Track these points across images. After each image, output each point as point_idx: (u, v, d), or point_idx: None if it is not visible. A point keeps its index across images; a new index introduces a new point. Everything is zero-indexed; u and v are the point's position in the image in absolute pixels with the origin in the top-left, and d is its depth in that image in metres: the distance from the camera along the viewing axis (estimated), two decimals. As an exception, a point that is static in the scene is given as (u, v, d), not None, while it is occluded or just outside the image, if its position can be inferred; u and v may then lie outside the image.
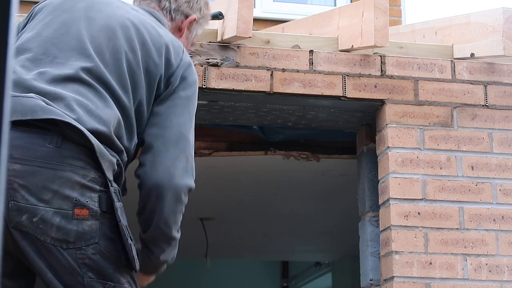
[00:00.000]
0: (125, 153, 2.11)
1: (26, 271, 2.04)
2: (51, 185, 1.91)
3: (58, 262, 1.93)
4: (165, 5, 2.45)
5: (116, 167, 2.05)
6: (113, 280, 1.98)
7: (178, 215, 2.18)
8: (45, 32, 2.15)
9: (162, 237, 2.17)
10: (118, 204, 1.99)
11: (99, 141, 1.98)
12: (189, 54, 2.93)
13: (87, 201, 1.94)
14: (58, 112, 1.95)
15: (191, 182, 2.17)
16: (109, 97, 2.06)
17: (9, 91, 0.68)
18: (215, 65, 2.95)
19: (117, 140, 2.05)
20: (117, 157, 2.06)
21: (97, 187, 1.97)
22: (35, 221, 1.90)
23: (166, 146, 2.13)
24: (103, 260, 1.96)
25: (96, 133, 1.98)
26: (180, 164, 2.13)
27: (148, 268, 2.23)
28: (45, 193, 1.91)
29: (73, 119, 1.96)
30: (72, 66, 2.07)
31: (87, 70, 2.07)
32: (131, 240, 2.01)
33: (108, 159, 2.00)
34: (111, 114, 2.04)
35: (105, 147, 2.00)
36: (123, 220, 2.00)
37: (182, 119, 2.17)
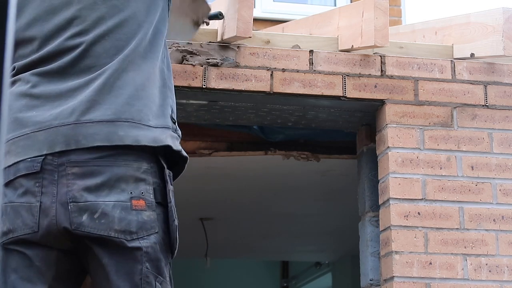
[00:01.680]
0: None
1: (76, 275, 2.07)
2: (108, 182, 1.95)
3: (121, 256, 1.96)
4: None
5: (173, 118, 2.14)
6: (163, 274, 2.01)
7: None
8: None
9: None
10: (171, 191, 2.04)
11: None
12: (189, 54, 2.94)
13: (142, 193, 1.98)
14: None
15: None
16: None
17: (7, 90, 0.68)
18: (215, 65, 2.95)
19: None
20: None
21: (151, 179, 2.01)
22: (97, 217, 1.94)
23: None
24: (160, 251, 2.00)
25: None
26: None
27: None
28: (102, 189, 1.95)
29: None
30: None
31: None
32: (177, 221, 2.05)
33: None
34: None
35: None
36: (173, 201, 2.05)
37: None
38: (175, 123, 2.13)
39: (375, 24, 2.89)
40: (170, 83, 2.18)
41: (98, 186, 1.95)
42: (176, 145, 2.09)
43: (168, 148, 2.05)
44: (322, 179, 4.34)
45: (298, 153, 3.70)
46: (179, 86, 2.92)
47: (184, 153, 2.11)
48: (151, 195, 2.00)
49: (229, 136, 3.70)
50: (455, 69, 3.10)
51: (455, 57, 3.15)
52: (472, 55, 3.09)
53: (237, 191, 4.73)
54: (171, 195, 2.03)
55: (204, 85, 2.93)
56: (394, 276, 2.87)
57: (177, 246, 2.06)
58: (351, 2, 5.42)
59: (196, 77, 2.93)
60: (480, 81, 3.11)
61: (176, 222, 2.03)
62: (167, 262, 2.03)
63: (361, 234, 3.24)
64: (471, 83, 3.10)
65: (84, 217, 1.93)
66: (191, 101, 3.06)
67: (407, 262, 2.88)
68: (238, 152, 3.72)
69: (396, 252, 2.89)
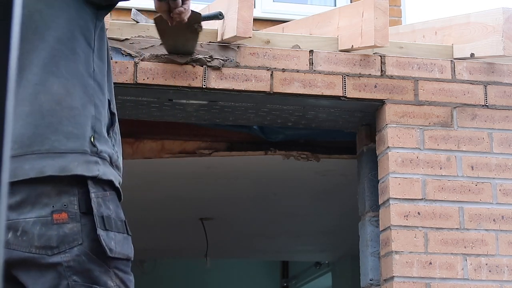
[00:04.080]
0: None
1: None
2: (28, 198, 1.92)
3: (45, 272, 1.92)
4: None
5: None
6: (99, 283, 1.96)
7: None
8: None
9: None
10: (95, 200, 1.96)
11: None
12: (189, 54, 2.94)
13: (65, 205, 1.94)
14: None
15: None
16: None
17: (12, 93, 0.68)
18: (215, 65, 2.95)
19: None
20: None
21: (76, 189, 1.96)
22: (19, 235, 1.91)
23: None
24: (88, 261, 1.94)
25: None
26: None
27: None
28: (24, 206, 1.92)
29: None
30: None
31: None
32: (106, 230, 1.96)
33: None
34: None
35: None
36: (104, 211, 1.97)
37: None
38: (95, 146, 2.02)
39: (375, 24, 2.89)
40: (98, 99, 2.08)
41: (19, 203, 1.92)
42: (92, 171, 1.98)
43: (79, 176, 1.96)
44: (322, 179, 4.34)
45: (298, 153, 3.70)
46: (179, 86, 2.92)
47: (106, 177, 2.01)
48: (75, 206, 1.95)
49: (229, 136, 3.70)
50: (455, 69, 3.11)
51: (455, 57, 3.15)
52: (472, 55, 3.09)
53: (237, 191, 4.72)
54: (95, 204, 1.96)
55: (204, 85, 2.93)
56: (394, 276, 2.87)
57: (108, 252, 1.96)
58: (351, 2, 5.42)
59: (196, 77, 2.93)
60: (480, 81, 3.11)
61: (100, 232, 1.94)
62: (105, 269, 1.97)
63: (361, 234, 3.24)
64: (471, 83, 3.10)
65: (9, 235, 1.91)
66: (191, 101, 3.06)
67: (407, 262, 2.88)
68: (238, 152, 3.72)
69: (396, 252, 2.89)
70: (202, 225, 5.62)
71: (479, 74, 3.11)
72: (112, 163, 2.07)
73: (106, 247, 1.95)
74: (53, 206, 1.93)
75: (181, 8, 2.27)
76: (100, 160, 2.02)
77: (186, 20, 2.34)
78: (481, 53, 3.07)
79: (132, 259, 2.08)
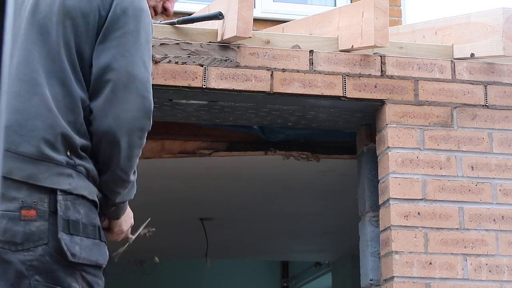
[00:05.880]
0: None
1: None
2: None
3: (7, 268, 1.88)
4: None
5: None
6: (63, 284, 1.91)
7: (134, 160, 2.07)
8: None
9: (119, 183, 2.07)
10: (63, 202, 1.91)
11: None
12: (189, 54, 2.94)
13: (34, 202, 1.89)
14: None
15: (144, 123, 2.03)
16: None
17: (5, 89, 0.68)
18: (215, 65, 2.95)
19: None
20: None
21: (47, 188, 1.91)
22: None
23: (115, 91, 1.99)
24: (53, 262, 1.89)
25: None
26: (131, 107, 2.00)
27: (111, 213, 2.16)
28: None
29: None
30: None
31: None
32: (70, 234, 1.91)
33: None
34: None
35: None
36: (71, 214, 1.92)
37: (131, 59, 2.01)
38: (71, 159, 1.96)
39: (375, 24, 2.89)
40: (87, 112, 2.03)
41: None
42: (62, 184, 1.93)
43: (47, 188, 1.91)
44: (322, 179, 4.34)
45: (298, 153, 3.70)
46: (179, 86, 2.92)
47: (77, 191, 1.95)
48: (46, 204, 1.90)
49: (229, 136, 3.70)
50: (455, 69, 3.11)
51: (455, 57, 3.15)
52: (472, 55, 3.09)
53: (237, 191, 4.73)
54: (62, 206, 1.91)
55: (204, 85, 2.93)
56: (394, 276, 2.87)
57: (70, 257, 1.91)
58: (351, 2, 5.42)
59: (196, 77, 2.93)
60: (480, 81, 3.11)
61: (62, 235, 1.89)
62: (71, 271, 1.91)
63: (361, 234, 3.24)
64: (471, 83, 3.10)
65: None
66: (191, 101, 3.06)
67: (407, 262, 2.88)
68: (238, 152, 3.72)
69: (396, 252, 2.89)
70: (202, 225, 5.62)
71: (479, 74, 3.11)
72: (89, 177, 2.01)
73: (67, 251, 1.89)
74: (22, 202, 1.89)
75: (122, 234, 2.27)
76: (75, 173, 1.97)
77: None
78: (481, 53, 3.07)
79: (103, 265, 2.01)
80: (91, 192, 2.01)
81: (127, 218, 2.27)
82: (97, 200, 2.04)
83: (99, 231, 2.00)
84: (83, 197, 1.97)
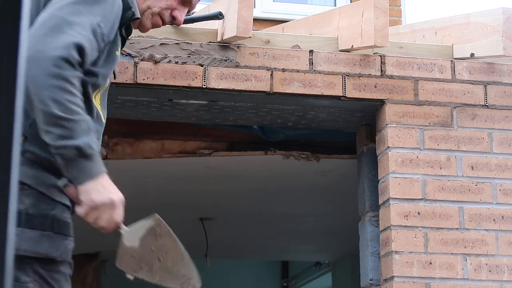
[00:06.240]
0: None
1: None
2: None
3: None
4: None
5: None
6: (18, 280, 1.85)
7: (55, 91, 1.87)
8: None
9: (44, 118, 1.88)
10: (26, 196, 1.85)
11: None
12: (189, 54, 2.94)
13: None
14: None
15: (63, 52, 1.89)
16: None
17: (21, 93, 0.68)
18: (215, 65, 2.95)
19: None
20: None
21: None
22: None
23: (40, 28, 1.92)
24: None
25: None
26: (50, 39, 1.90)
27: (69, 173, 1.93)
28: None
29: None
30: None
31: None
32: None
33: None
34: None
35: None
36: (22, 206, 1.85)
37: (60, 5, 1.96)
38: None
39: (375, 24, 2.89)
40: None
41: None
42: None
43: None
44: (322, 179, 4.34)
45: (298, 153, 3.70)
46: (179, 86, 2.92)
47: (20, 180, 1.83)
48: None
49: (229, 136, 3.70)
50: (455, 69, 3.11)
51: (455, 57, 3.15)
52: (472, 55, 3.10)
53: (237, 191, 4.72)
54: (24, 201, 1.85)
55: (204, 85, 2.93)
56: (394, 276, 2.87)
57: (36, 251, 1.87)
58: (351, 2, 5.42)
59: (196, 77, 2.93)
60: (480, 81, 3.11)
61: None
62: (18, 264, 1.81)
63: (361, 234, 3.24)
64: (471, 83, 3.10)
65: None
66: (191, 101, 3.06)
67: (407, 262, 2.88)
68: (238, 152, 3.72)
69: (396, 252, 2.89)
70: (202, 225, 5.62)
71: (479, 74, 3.11)
72: (38, 162, 1.93)
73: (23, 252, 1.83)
74: None
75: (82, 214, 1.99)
76: (21, 160, 1.82)
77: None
78: (481, 53, 3.07)
79: (58, 259, 1.94)
80: (41, 180, 1.93)
81: (101, 188, 1.94)
82: (52, 188, 1.94)
83: (53, 223, 1.92)
84: (29, 186, 1.90)
